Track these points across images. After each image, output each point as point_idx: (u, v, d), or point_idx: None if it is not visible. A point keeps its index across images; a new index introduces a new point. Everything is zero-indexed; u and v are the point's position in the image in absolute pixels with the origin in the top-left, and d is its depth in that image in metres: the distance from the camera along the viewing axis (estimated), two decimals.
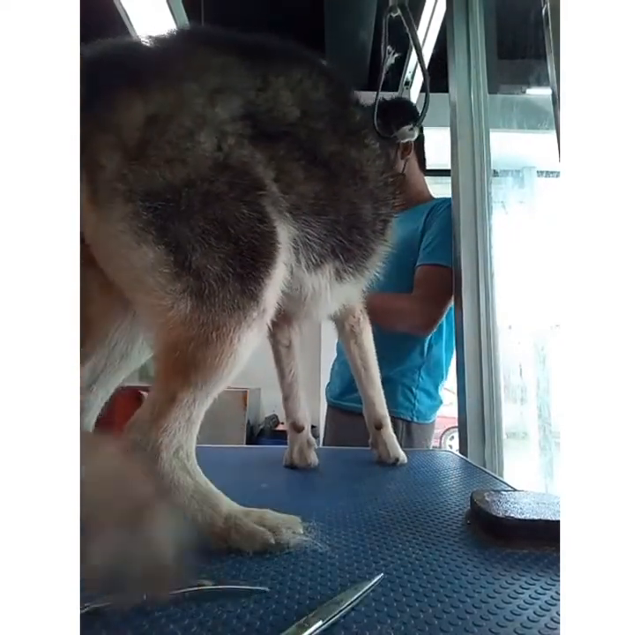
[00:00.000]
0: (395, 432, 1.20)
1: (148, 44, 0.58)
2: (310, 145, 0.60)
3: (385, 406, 0.94)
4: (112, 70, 0.53)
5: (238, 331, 0.50)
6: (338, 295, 0.75)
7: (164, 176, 0.49)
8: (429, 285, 1.21)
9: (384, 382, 1.24)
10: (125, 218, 0.49)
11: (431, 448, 1.32)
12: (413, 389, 1.25)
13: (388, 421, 0.93)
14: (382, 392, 0.94)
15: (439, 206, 1.27)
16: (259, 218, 0.52)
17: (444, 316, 1.24)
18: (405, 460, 0.92)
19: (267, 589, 0.41)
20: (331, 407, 1.38)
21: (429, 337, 1.27)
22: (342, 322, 0.93)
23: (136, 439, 0.49)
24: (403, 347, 1.26)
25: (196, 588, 0.39)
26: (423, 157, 1.42)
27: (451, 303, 1.24)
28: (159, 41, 0.59)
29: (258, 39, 0.63)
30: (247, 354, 0.52)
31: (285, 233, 0.56)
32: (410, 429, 1.23)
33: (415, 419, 1.24)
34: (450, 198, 1.24)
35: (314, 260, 0.62)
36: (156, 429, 0.48)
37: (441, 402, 1.34)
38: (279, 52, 0.64)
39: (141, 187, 0.49)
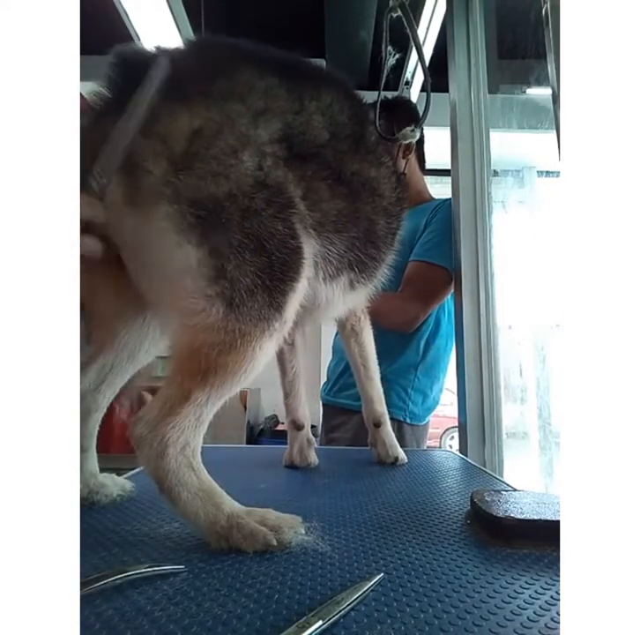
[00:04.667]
0: None
1: (188, 53, 0.60)
2: (336, 166, 0.63)
3: (384, 404, 0.95)
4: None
5: (261, 340, 0.52)
6: (348, 303, 0.77)
7: (208, 189, 0.51)
8: (418, 282, 1.21)
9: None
10: (169, 217, 0.50)
11: (422, 448, 1.31)
12: (408, 390, 1.25)
13: (387, 419, 0.94)
14: (381, 390, 0.95)
15: (441, 206, 1.27)
16: (291, 234, 0.54)
17: (428, 314, 1.24)
18: (405, 460, 0.92)
19: (183, 567, 0.44)
20: (323, 404, 1.38)
21: (427, 336, 1.27)
22: (343, 321, 0.94)
23: (142, 434, 0.49)
24: (398, 345, 1.26)
25: (118, 576, 0.40)
26: (423, 157, 1.42)
27: (438, 302, 1.24)
28: (199, 52, 0.61)
29: (295, 60, 0.65)
30: (264, 361, 0.54)
31: (309, 249, 0.58)
32: (402, 431, 1.22)
33: (408, 420, 1.24)
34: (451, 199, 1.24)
35: (331, 273, 0.64)
36: (165, 425, 0.49)
37: (437, 403, 1.32)
38: (313, 75, 0.67)
39: (187, 194, 0.50)
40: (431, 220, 1.26)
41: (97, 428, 0.67)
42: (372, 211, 0.69)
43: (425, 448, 1.31)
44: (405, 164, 1.34)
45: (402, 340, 1.26)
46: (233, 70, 0.59)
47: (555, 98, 0.54)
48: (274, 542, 0.48)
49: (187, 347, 0.51)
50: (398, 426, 1.22)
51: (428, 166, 1.44)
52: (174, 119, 0.52)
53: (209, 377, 0.50)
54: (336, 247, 0.63)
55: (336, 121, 0.64)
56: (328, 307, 0.70)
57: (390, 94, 1.39)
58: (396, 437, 1.22)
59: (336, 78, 0.71)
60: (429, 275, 1.21)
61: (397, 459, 0.91)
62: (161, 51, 0.58)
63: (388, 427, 0.94)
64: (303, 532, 0.51)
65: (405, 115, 1.33)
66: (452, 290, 1.22)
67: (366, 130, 0.72)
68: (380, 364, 1.27)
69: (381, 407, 0.94)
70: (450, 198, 1.24)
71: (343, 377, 1.31)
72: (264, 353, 0.53)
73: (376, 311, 1.22)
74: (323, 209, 0.60)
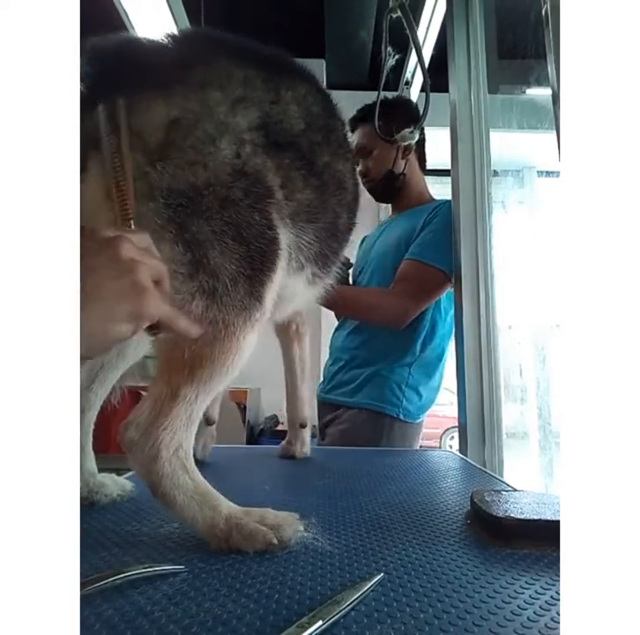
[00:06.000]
0: (378, 428, 1.21)
1: (166, 44, 0.59)
2: (310, 156, 0.63)
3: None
4: (132, 69, 0.53)
5: (243, 330, 0.52)
6: (307, 297, 0.78)
7: (186, 178, 0.50)
8: (410, 280, 1.21)
9: (373, 377, 1.25)
10: (145, 216, 0.49)
11: (422, 448, 1.31)
12: (402, 386, 1.24)
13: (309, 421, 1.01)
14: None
15: (441, 207, 1.27)
16: (268, 225, 0.54)
17: (418, 311, 1.24)
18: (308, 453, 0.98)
19: (183, 567, 0.44)
20: (318, 402, 1.39)
21: (423, 336, 1.27)
22: (288, 323, 0.96)
23: (133, 438, 0.49)
24: (395, 345, 1.26)
25: (118, 576, 0.41)
26: (424, 157, 1.42)
27: (428, 301, 1.24)
28: (177, 42, 0.60)
29: (271, 52, 0.65)
30: (248, 353, 0.54)
31: (285, 238, 0.58)
32: (392, 427, 1.22)
33: (401, 416, 1.23)
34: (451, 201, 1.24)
35: (297, 265, 0.64)
36: (156, 427, 0.48)
37: (431, 403, 1.32)
38: (288, 67, 0.67)
39: (164, 184, 0.50)
40: (430, 221, 1.25)
41: (92, 426, 0.67)
42: (337, 203, 0.70)
43: (420, 448, 1.30)
44: (405, 165, 1.34)
45: (399, 341, 1.26)
46: (211, 59, 0.58)
47: (555, 98, 0.54)
48: (275, 541, 0.48)
49: (171, 339, 0.50)
50: (389, 422, 1.22)
51: (428, 166, 1.44)
52: (150, 110, 0.51)
53: (195, 371, 0.50)
54: (307, 237, 0.63)
55: (310, 112, 0.65)
56: (289, 301, 0.70)
57: (389, 95, 1.39)
58: (386, 432, 1.23)
59: (307, 71, 0.71)
60: (422, 275, 1.20)
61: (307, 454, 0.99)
62: (148, 41, 0.58)
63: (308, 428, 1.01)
64: (303, 529, 0.51)
65: (405, 115, 1.33)
66: (444, 291, 1.23)
67: (336, 123, 0.72)
68: (376, 363, 1.28)
69: (310, 409, 1.00)
70: (450, 200, 1.24)
71: (338, 374, 1.32)
72: (247, 343, 0.53)
73: (368, 306, 1.24)
74: (298, 198, 0.61)
